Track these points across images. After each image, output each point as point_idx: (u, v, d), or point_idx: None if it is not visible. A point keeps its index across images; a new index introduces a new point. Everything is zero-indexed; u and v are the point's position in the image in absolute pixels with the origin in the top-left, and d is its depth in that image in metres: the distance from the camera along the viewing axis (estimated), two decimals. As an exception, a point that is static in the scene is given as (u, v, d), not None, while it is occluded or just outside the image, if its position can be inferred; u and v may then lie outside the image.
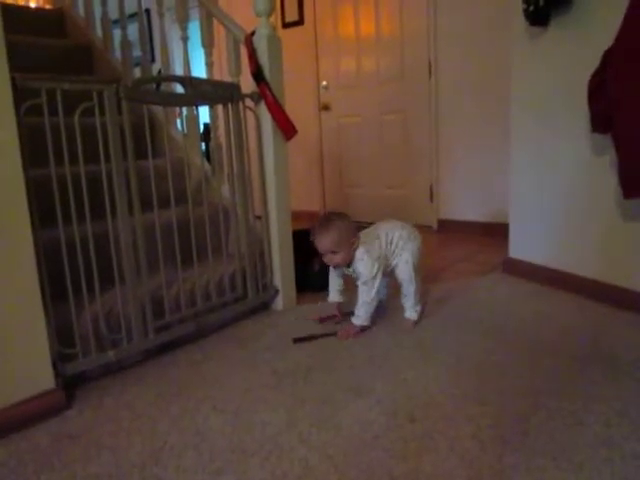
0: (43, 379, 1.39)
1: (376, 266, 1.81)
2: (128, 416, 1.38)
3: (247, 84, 2.08)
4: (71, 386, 1.52)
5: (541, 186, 2.31)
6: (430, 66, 3.60)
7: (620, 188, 1.83)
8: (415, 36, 3.66)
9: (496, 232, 3.17)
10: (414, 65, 3.71)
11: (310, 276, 2.38)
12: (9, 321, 1.31)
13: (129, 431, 1.31)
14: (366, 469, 1.11)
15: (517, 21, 2.26)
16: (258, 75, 2.01)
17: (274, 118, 2.02)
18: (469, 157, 3.53)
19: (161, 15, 2.58)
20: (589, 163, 2.05)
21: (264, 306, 2.18)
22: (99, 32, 2.95)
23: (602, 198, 2.01)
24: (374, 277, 1.82)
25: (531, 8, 2.10)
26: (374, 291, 1.83)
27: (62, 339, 1.46)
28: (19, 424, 1.32)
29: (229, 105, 1.93)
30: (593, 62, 1.85)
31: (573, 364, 1.55)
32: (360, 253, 1.82)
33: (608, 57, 1.80)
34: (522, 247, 2.46)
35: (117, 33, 2.77)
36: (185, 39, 2.41)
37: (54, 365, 1.41)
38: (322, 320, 2.00)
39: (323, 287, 2.35)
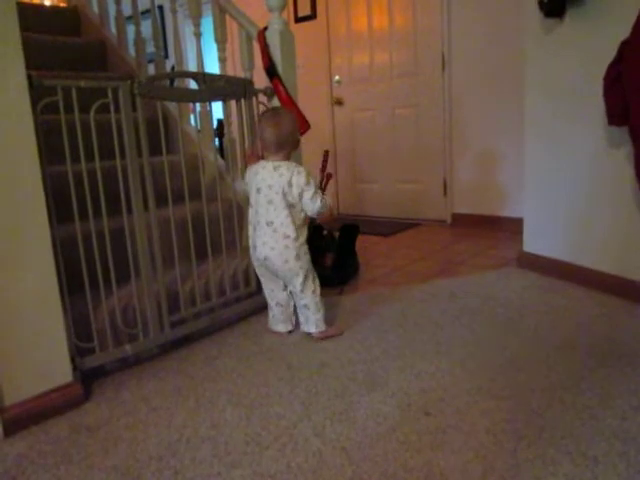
0: (61, 373, 1.41)
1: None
2: (145, 409, 1.40)
3: (260, 79, 2.09)
4: (89, 379, 1.54)
5: (555, 180, 2.28)
6: (444, 60, 3.57)
7: (636, 181, 1.81)
8: (429, 30, 3.63)
9: (511, 226, 3.15)
10: (427, 59, 3.68)
11: (322, 271, 2.38)
12: (28, 316, 1.33)
13: (146, 424, 1.33)
14: (380, 462, 1.11)
15: (531, 12, 2.23)
16: (271, 70, 2.02)
17: (287, 113, 2.02)
18: (483, 151, 3.50)
19: (174, 11, 2.59)
20: (605, 156, 2.03)
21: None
22: (113, 29, 2.98)
23: (618, 191, 1.98)
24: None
25: (546, -1, 2.08)
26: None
27: (79, 334, 1.48)
28: (38, 416, 1.35)
29: (242, 101, 1.94)
30: (609, 54, 1.83)
31: (589, 359, 1.54)
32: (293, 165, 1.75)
33: (624, 48, 1.77)
34: (536, 241, 2.44)
35: (131, 30, 2.80)
36: (198, 35, 2.42)
37: (72, 359, 1.43)
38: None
39: (335, 282, 2.36)
